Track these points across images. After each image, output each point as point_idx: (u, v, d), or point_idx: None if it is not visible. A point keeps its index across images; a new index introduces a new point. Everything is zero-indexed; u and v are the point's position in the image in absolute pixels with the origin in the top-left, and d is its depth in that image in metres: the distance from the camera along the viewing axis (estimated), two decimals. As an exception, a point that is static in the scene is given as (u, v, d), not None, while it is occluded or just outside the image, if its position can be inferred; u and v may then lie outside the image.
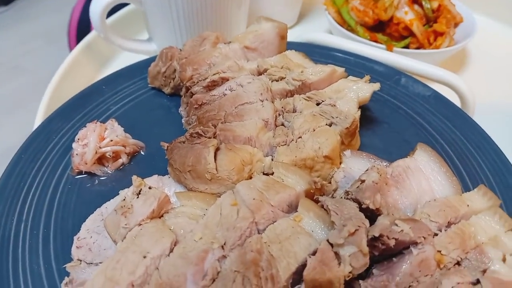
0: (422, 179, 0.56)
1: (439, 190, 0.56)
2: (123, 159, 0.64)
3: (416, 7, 1.01)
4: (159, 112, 0.74)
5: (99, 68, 1.05)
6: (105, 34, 0.93)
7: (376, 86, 0.67)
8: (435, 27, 0.98)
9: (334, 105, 0.64)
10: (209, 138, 0.58)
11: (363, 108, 0.74)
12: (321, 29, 1.23)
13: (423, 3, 1.01)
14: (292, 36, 1.04)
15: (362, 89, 0.66)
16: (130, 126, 0.69)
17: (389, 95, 0.79)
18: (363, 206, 0.49)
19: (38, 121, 0.79)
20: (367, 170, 0.54)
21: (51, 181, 0.61)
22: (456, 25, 1.06)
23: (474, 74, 1.09)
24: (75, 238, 0.51)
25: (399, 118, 0.74)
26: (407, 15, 0.99)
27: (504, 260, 0.45)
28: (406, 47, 1.01)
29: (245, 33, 0.76)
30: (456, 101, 0.81)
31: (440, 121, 0.73)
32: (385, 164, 0.60)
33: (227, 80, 0.67)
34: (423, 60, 0.92)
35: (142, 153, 0.67)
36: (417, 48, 1.01)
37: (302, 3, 1.28)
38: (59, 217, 0.57)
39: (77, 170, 0.62)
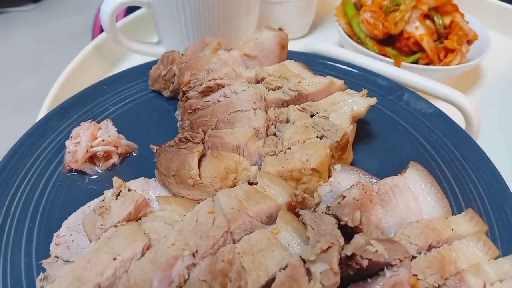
0: (410, 198, 0.54)
1: (427, 211, 0.54)
2: (114, 159, 0.64)
3: (428, 22, 1.00)
4: (156, 115, 0.75)
5: (108, 69, 1.07)
6: (114, 35, 0.95)
7: (372, 100, 0.66)
8: (446, 43, 0.96)
9: (327, 118, 0.63)
10: (197, 143, 0.58)
11: (361, 121, 0.73)
12: (332, 40, 1.22)
13: (435, 18, 0.99)
14: (301, 45, 1.04)
15: (358, 103, 0.65)
16: (126, 127, 0.70)
17: (390, 110, 0.77)
18: (342, 222, 0.47)
19: (40, 118, 0.81)
20: (352, 186, 0.52)
21: (42, 177, 0.63)
22: (470, 42, 1.04)
23: (485, 94, 1.05)
24: (54, 235, 0.52)
25: (398, 134, 0.73)
26: (417, 30, 0.97)
27: (484, 289, 0.43)
28: (416, 62, 0.99)
29: (246, 41, 0.76)
30: (462, 121, 0.78)
31: (439, 139, 0.71)
32: (374, 181, 0.59)
33: (223, 86, 0.68)
34: (432, 77, 0.90)
35: (134, 154, 0.68)
36: (427, 64, 0.98)
37: (315, 13, 1.27)
38: (46, 213, 0.58)
39: (68, 168, 0.63)
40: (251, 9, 0.99)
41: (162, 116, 0.75)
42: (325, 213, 0.51)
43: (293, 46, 1.15)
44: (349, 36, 1.08)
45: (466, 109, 0.77)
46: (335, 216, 0.49)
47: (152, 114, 0.75)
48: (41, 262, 0.50)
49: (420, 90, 0.83)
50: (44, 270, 0.50)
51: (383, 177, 0.60)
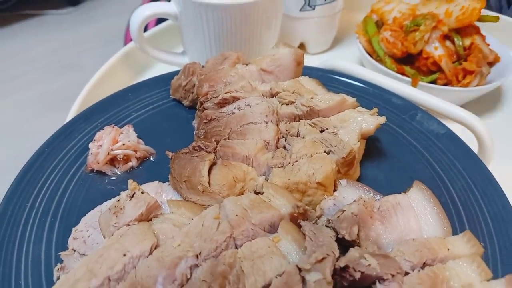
0: (412, 217, 0.56)
1: (428, 230, 0.55)
2: (133, 162, 0.69)
3: (447, 43, 1.00)
4: (175, 123, 0.79)
5: (134, 76, 1.13)
6: (141, 45, 1.00)
7: (382, 119, 0.68)
8: (465, 65, 0.96)
9: (336, 134, 0.65)
10: (209, 152, 0.62)
11: (371, 139, 0.75)
12: (353, 56, 1.24)
13: (455, 40, 0.99)
14: (321, 60, 1.07)
15: (367, 121, 0.67)
16: (146, 133, 0.75)
17: (402, 128, 0.79)
18: (339, 236, 0.49)
19: (68, 120, 0.86)
20: (353, 201, 0.54)
21: (66, 176, 0.67)
22: (491, 64, 1.04)
23: (505, 117, 1.05)
24: (73, 229, 0.56)
25: (408, 153, 0.74)
26: (437, 50, 0.98)
27: (475, 311, 0.44)
28: (434, 82, 1.00)
29: (263, 56, 0.79)
30: (476, 144, 0.79)
31: (449, 161, 0.72)
32: (378, 197, 0.61)
33: (238, 99, 0.71)
34: (450, 98, 0.91)
35: (152, 159, 0.72)
36: (445, 84, 0.99)
37: (337, 29, 1.30)
38: (67, 209, 0.63)
39: (90, 168, 0.68)
40: (273, 25, 1.02)
41: (180, 124, 0.79)
42: (326, 225, 0.53)
43: (313, 60, 1.18)
44: (369, 54, 1.09)
45: (479, 132, 0.78)
46: (334, 229, 0.51)
47: (171, 121, 0.79)
48: (59, 253, 0.54)
49: (434, 111, 0.83)
50: (61, 261, 0.55)
51: (389, 195, 0.62)
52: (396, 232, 0.54)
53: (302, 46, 1.28)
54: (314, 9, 1.18)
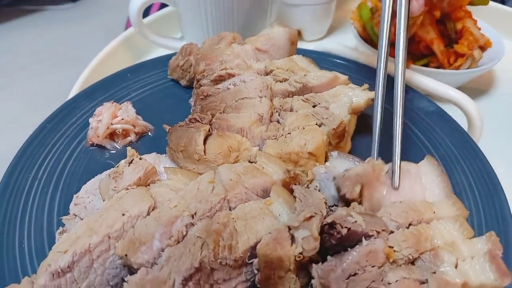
0: (418, 186, 0.58)
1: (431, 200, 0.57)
2: (132, 137, 0.71)
3: (440, 27, 1.02)
4: (172, 101, 0.81)
5: (134, 60, 1.15)
6: (140, 29, 1.02)
7: (372, 94, 0.70)
8: (456, 48, 0.98)
9: (328, 108, 0.67)
10: (204, 124, 0.64)
11: (363, 116, 0.77)
12: (348, 43, 1.25)
13: (447, 23, 1.01)
14: (315, 45, 1.09)
15: (357, 95, 0.69)
16: (144, 110, 0.77)
17: (392, 106, 0.80)
18: (341, 194, 0.52)
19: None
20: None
21: (67, 149, 0.70)
22: (483, 49, 1.06)
23: (495, 100, 1.07)
24: (74, 196, 0.59)
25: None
26: (429, 34, 1.00)
27: (456, 266, 0.47)
28: (426, 65, 1.02)
29: (258, 36, 0.82)
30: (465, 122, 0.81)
31: (438, 136, 0.74)
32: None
33: (233, 76, 0.73)
34: (442, 80, 0.93)
35: (150, 134, 0.74)
36: (437, 67, 1.01)
37: (333, 16, 1.32)
38: (68, 180, 0.65)
39: (90, 142, 0.70)
40: (268, 11, 1.05)
41: (177, 102, 0.81)
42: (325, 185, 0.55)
43: (308, 47, 1.20)
44: (363, 39, 1.11)
45: (469, 110, 0.80)
46: (337, 188, 0.53)
47: (169, 100, 0.82)
48: (61, 218, 0.57)
49: (425, 91, 0.86)
50: (63, 225, 0.57)
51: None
52: (400, 196, 0.56)
53: (298, 33, 1.29)
54: (310, -5, 1.20)
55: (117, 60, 1.09)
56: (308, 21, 1.27)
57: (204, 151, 0.59)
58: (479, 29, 1.02)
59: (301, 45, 1.02)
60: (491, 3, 1.20)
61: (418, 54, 1.03)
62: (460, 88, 1.06)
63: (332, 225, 0.47)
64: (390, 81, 0.85)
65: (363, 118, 0.77)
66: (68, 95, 0.94)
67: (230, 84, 0.72)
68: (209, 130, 0.62)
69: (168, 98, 0.82)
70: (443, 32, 1.02)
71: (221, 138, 0.61)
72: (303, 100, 0.70)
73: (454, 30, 1.00)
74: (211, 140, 0.61)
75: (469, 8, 1.04)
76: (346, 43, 1.26)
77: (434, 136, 0.74)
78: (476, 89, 1.09)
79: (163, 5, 1.35)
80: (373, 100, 0.71)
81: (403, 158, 0.70)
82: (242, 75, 0.72)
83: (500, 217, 0.59)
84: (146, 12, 1.34)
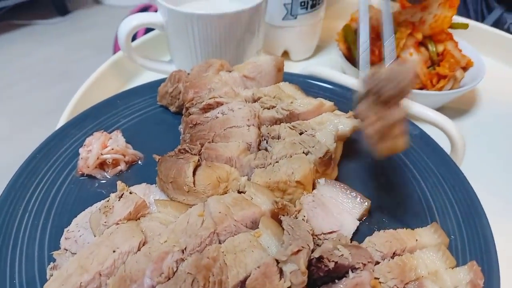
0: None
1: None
2: (122, 166, 0.72)
3: (422, 49, 1.06)
4: (162, 128, 0.82)
5: (124, 83, 1.16)
6: (129, 54, 1.04)
7: (356, 122, 0.72)
8: (438, 70, 1.01)
9: (314, 136, 0.69)
10: (194, 154, 0.65)
11: (349, 141, 0.79)
12: (335, 63, 1.29)
13: (429, 46, 1.05)
14: (302, 67, 1.11)
15: (343, 123, 0.71)
16: (134, 137, 0.78)
17: (378, 131, 0.83)
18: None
19: (59, 126, 0.89)
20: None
21: (57, 180, 0.70)
22: (465, 69, 1.09)
23: (478, 119, 1.10)
24: (65, 230, 0.59)
25: (383, 154, 0.78)
26: (411, 56, 1.04)
27: (440, 295, 0.48)
28: (410, 86, 1.05)
29: (246, 64, 0.84)
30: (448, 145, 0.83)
31: (422, 159, 0.76)
32: (353, 194, 0.65)
33: (221, 104, 0.75)
34: (425, 101, 0.96)
35: (140, 162, 0.75)
36: (420, 88, 1.04)
37: (319, 37, 1.35)
38: (58, 211, 0.65)
39: (80, 172, 0.70)
40: (256, 33, 1.07)
41: (167, 129, 0.82)
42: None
43: (296, 67, 1.23)
44: (349, 60, 1.14)
45: (451, 133, 0.83)
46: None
47: (159, 126, 0.83)
48: (52, 253, 0.57)
49: (408, 113, 0.88)
50: (54, 260, 0.57)
51: (364, 192, 0.66)
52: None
53: (285, 53, 1.32)
54: (296, 18, 1.23)
55: (107, 84, 1.10)
56: (294, 42, 1.30)
57: (194, 183, 0.61)
58: (460, 50, 1.05)
59: (288, 65, 1.04)
60: (470, 21, 1.24)
61: (402, 75, 1.06)
62: (443, 107, 1.09)
63: (319, 259, 0.48)
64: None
65: (349, 144, 0.79)
66: (58, 114, 0.95)
67: (218, 113, 0.73)
68: (198, 160, 0.64)
69: (157, 125, 0.83)
70: (425, 53, 1.05)
71: (210, 169, 0.62)
72: (290, 128, 0.72)
73: (436, 52, 1.04)
74: (200, 171, 0.62)
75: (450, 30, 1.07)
76: (332, 62, 1.30)
77: (418, 159, 0.77)
78: (459, 108, 1.12)
79: (148, 29, 1.37)
80: (358, 128, 0.73)
81: (386, 181, 0.73)
82: (230, 104, 0.74)
83: (482, 242, 0.61)
84: (134, 35, 1.35)
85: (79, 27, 4.02)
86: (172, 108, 0.86)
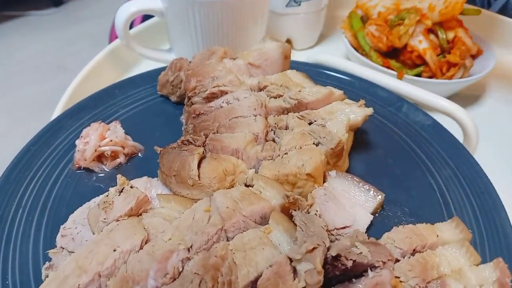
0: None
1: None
2: (121, 159, 0.68)
3: (431, 36, 1.02)
4: (162, 118, 0.78)
5: (121, 73, 1.12)
6: (127, 42, 0.99)
7: (369, 110, 0.68)
8: (449, 57, 0.97)
9: (324, 126, 0.66)
10: (198, 146, 0.61)
11: (360, 131, 0.76)
12: (339, 52, 1.25)
13: (439, 33, 1.01)
14: (307, 55, 1.07)
15: (354, 112, 0.68)
16: (134, 129, 0.74)
17: (389, 120, 0.79)
18: None
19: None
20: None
21: (53, 173, 0.66)
22: (474, 57, 1.06)
23: (488, 108, 1.07)
24: (61, 227, 0.55)
25: (395, 144, 0.75)
26: (421, 43, 1.00)
27: (465, 294, 0.45)
28: (419, 75, 1.01)
29: (251, 51, 0.79)
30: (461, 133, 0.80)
31: (435, 151, 0.73)
32: (366, 187, 0.62)
33: (226, 93, 0.71)
34: (434, 90, 0.92)
35: (140, 155, 0.71)
36: (430, 77, 1.00)
37: (323, 25, 1.31)
38: (54, 207, 0.62)
39: (77, 165, 0.67)
40: (259, 21, 1.02)
41: (168, 119, 0.78)
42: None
43: (300, 56, 1.19)
44: (355, 48, 1.10)
45: (463, 122, 0.79)
46: None
47: (159, 117, 0.79)
48: (47, 251, 0.53)
49: (420, 103, 0.85)
50: (50, 259, 0.54)
51: (377, 185, 0.62)
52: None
53: (288, 42, 1.28)
54: (299, 5, 1.18)
55: (104, 74, 1.05)
56: (298, 30, 1.25)
57: (199, 176, 0.57)
58: (471, 37, 1.02)
59: (292, 54, 1.00)
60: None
61: (411, 64, 1.02)
62: (453, 95, 1.06)
63: (336, 257, 0.45)
64: (386, 95, 0.85)
65: (359, 134, 0.75)
66: (54, 108, 0.91)
67: (223, 102, 0.69)
68: (203, 152, 0.60)
69: (158, 115, 0.79)
70: (434, 41, 1.01)
71: (215, 161, 0.58)
72: (298, 118, 0.68)
73: (446, 39, 1.00)
74: (205, 164, 0.58)
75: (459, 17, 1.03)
76: (337, 52, 1.26)
77: (431, 150, 0.73)
78: (471, 95, 1.09)
79: (146, 17, 1.32)
80: (369, 117, 0.70)
81: (399, 173, 0.69)
82: (235, 92, 0.70)
83: (502, 237, 0.58)
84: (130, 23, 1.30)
85: (74, 18, 3.94)
86: (173, 98, 0.82)
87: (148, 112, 0.80)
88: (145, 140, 0.73)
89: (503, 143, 0.95)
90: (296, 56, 1.25)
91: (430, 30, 1.02)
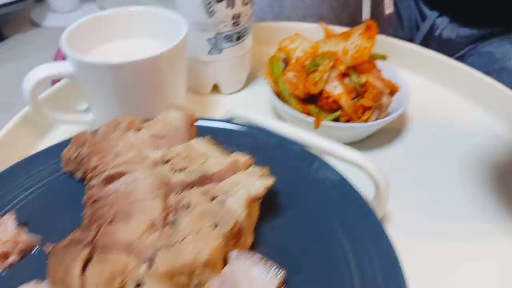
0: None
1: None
2: (13, 257, 0.64)
3: (347, 80, 1.04)
4: (66, 200, 0.75)
5: (36, 140, 1.07)
6: (37, 111, 0.95)
7: (269, 182, 0.68)
8: (362, 101, 1.00)
9: (224, 203, 0.64)
10: (88, 243, 0.59)
11: (269, 194, 0.75)
12: (265, 96, 1.25)
13: (353, 77, 1.03)
14: (234, 100, 1.07)
15: (255, 185, 0.67)
16: (32, 216, 0.70)
17: (300, 179, 0.79)
18: None
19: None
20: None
21: None
22: (392, 93, 1.09)
23: (408, 143, 1.10)
24: None
25: (304, 205, 0.74)
26: (336, 89, 1.02)
27: None
28: (337, 119, 1.03)
29: (156, 121, 0.78)
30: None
31: (340, 208, 0.73)
32: (268, 264, 0.61)
33: (124, 174, 0.69)
34: (352, 134, 0.94)
35: (38, 247, 0.67)
36: (347, 120, 1.02)
37: (250, 66, 1.31)
38: None
39: (-38, 270, 0.62)
40: (177, 73, 1.01)
41: (71, 201, 0.74)
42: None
43: (229, 101, 1.20)
44: (277, 94, 1.11)
45: (371, 172, 0.80)
46: None
47: (62, 199, 0.75)
48: None
49: (334, 155, 0.85)
50: None
51: (290, 255, 0.62)
52: None
53: (216, 87, 1.28)
54: (221, 52, 1.19)
55: (17, 144, 1.01)
56: (224, 75, 1.25)
57: (85, 282, 0.54)
58: (382, 80, 1.05)
59: (219, 99, 1.00)
60: (395, 41, 1.25)
61: (328, 108, 1.03)
62: (373, 136, 1.08)
63: None
64: (298, 150, 0.84)
65: (267, 197, 0.74)
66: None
67: (120, 185, 0.67)
68: (89, 253, 0.57)
69: (61, 196, 0.75)
70: (349, 85, 1.03)
71: (102, 263, 0.56)
72: (201, 194, 0.67)
73: (359, 83, 1.02)
74: (91, 268, 0.55)
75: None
76: (265, 94, 1.26)
77: (337, 208, 0.73)
78: (391, 132, 1.12)
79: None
80: (273, 185, 0.69)
81: (307, 243, 0.69)
82: (134, 173, 0.68)
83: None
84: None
85: (15, 54, 3.81)
86: (78, 175, 0.78)
87: (49, 194, 0.75)
88: (45, 229, 0.69)
89: (419, 180, 0.98)
90: (225, 101, 1.25)
91: (344, 74, 1.04)
